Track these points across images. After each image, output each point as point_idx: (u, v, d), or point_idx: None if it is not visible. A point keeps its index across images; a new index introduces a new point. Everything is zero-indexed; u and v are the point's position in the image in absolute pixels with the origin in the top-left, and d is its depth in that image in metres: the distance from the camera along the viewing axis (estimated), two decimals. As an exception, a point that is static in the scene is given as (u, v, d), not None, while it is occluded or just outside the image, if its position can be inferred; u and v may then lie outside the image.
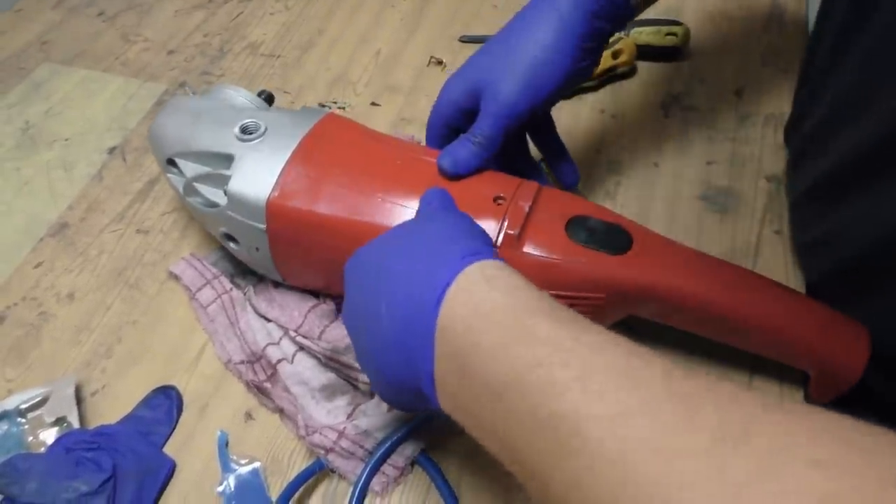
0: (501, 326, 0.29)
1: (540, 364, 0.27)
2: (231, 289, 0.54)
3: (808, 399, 0.47)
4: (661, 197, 0.59)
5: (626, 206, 0.58)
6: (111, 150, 0.66)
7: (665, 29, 0.68)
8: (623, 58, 0.66)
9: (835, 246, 0.46)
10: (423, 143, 0.63)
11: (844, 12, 0.46)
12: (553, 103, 0.49)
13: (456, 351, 0.31)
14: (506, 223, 0.44)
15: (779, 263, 0.54)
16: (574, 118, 0.65)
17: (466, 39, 0.72)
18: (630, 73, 0.68)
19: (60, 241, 0.59)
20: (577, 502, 0.24)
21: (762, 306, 0.43)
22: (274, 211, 0.46)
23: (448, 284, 0.32)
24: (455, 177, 0.46)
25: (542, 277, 0.43)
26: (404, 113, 0.66)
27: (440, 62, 0.70)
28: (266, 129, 0.48)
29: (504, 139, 0.47)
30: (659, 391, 0.25)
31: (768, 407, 0.23)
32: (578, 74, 0.48)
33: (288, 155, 0.47)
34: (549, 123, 0.53)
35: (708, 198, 0.58)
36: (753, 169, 0.60)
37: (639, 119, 0.65)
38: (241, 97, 0.53)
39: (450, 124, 0.50)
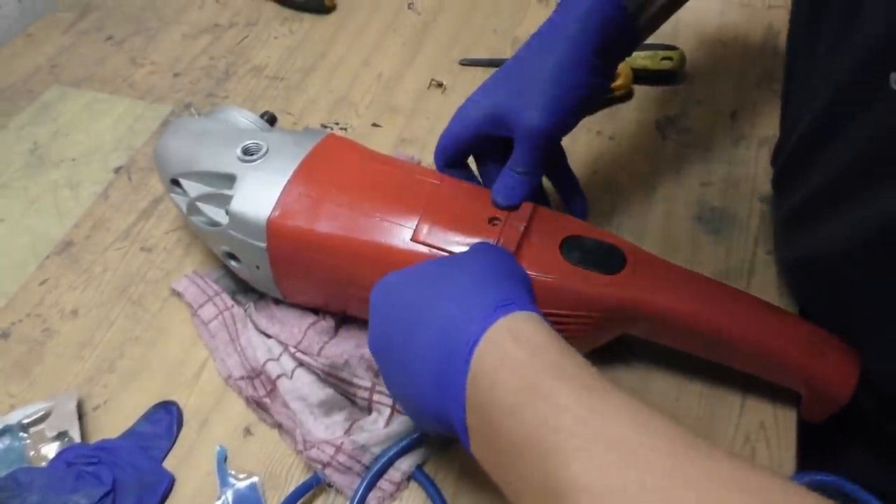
0: (521, 387, 0.30)
1: (552, 429, 0.28)
2: (232, 306, 0.54)
3: (801, 419, 0.48)
4: (657, 217, 0.59)
5: (621, 226, 0.59)
6: (117, 170, 0.67)
7: (661, 53, 0.69)
8: (620, 81, 0.67)
9: (819, 266, 0.47)
10: (423, 163, 0.64)
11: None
12: (576, 123, 0.50)
13: (483, 404, 0.32)
14: (501, 242, 0.45)
15: (772, 283, 0.54)
16: (572, 140, 0.66)
17: (467, 62, 0.74)
18: (627, 96, 0.69)
19: (66, 258, 0.60)
20: None
21: (754, 326, 0.43)
22: (274, 230, 0.47)
23: (479, 336, 0.33)
24: (508, 208, 0.47)
25: (537, 297, 0.44)
26: (405, 134, 0.68)
27: (440, 84, 0.72)
28: (267, 149, 0.49)
29: (544, 163, 0.48)
30: (662, 473, 0.25)
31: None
32: (597, 89, 0.49)
33: (289, 175, 0.48)
34: (561, 153, 0.54)
35: (702, 218, 0.59)
36: (747, 190, 0.61)
37: (635, 141, 0.66)
38: (244, 118, 0.54)
39: (467, 150, 0.51)
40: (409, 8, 0.82)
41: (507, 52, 0.75)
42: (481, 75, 0.73)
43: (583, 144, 0.66)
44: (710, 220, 0.59)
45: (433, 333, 0.35)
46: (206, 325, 0.54)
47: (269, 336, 0.52)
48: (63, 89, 0.76)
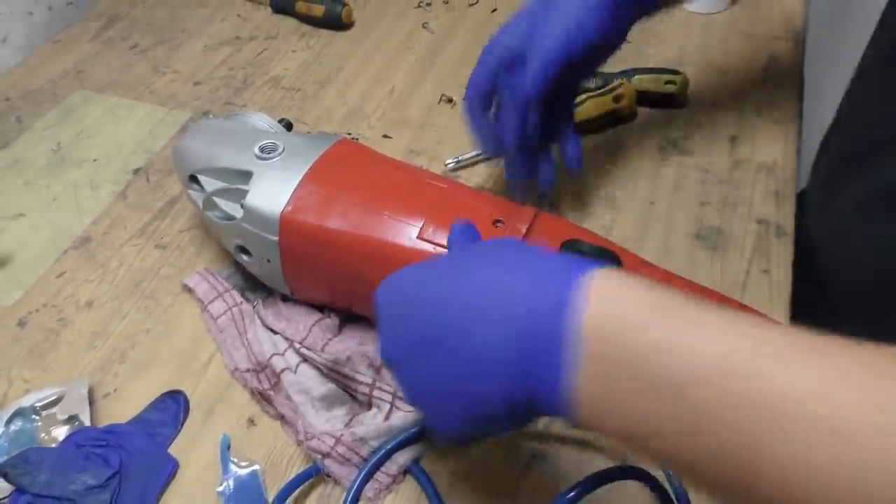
0: (666, 322, 0.28)
1: (728, 353, 0.26)
2: (241, 302, 0.56)
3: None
4: (655, 233, 0.61)
5: (621, 240, 0.60)
6: (136, 171, 0.69)
7: (665, 77, 0.71)
8: (624, 102, 0.69)
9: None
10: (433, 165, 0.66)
11: None
12: (585, 70, 0.55)
13: (607, 354, 0.29)
14: (503, 244, 0.46)
15: (764, 301, 0.56)
16: (575, 157, 0.68)
17: (476, 81, 0.76)
18: (630, 117, 0.71)
19: (83, 253, 0.62)
20: (799, 482, 0.24)
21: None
22: (287, 224, 0.49)
23: (569, 294, 0.30)
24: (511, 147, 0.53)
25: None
26: (414, 145, 0.70)
27: (450, 100, 0.74)
28: (284, 149, 0.52)
29: (546, 87, 0.52)
30: (851, 362, 0.25)
31: None
32: (612, 36, 0.53)
33: (303, 173, 0.50)
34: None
35: (700, 236, 0.61)
36: (745, 212, 0.63)
37: (637, 160, 0.68)
38: (263, 122, 0.57)
39: (493, 76, 0.54)
40: (423, 27, 0.85)
41: (516, 73, 0.77)
42: (490, 93, 0.75)
43: (586, 162, 0.67)
44: (708, 238, 0.60)
45: (494, 313, 0.32)
46: (215, 319, 0.56)
47: (275, 332, 0.54)
48: (87, 94, 0.78)
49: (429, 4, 0.88)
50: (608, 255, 0.47)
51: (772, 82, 0.75)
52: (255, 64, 0.81)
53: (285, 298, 0.56)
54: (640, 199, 0.64)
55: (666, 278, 0.47)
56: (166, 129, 0.73)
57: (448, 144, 0.70)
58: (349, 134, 0.72)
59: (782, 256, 0.59)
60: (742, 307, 0.47)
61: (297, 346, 0.53)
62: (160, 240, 0.63)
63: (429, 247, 0.47)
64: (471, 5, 0.88)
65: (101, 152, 0.72)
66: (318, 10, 0.84)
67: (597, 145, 0.69)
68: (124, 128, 0.74)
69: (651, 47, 0.80)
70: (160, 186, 0.68)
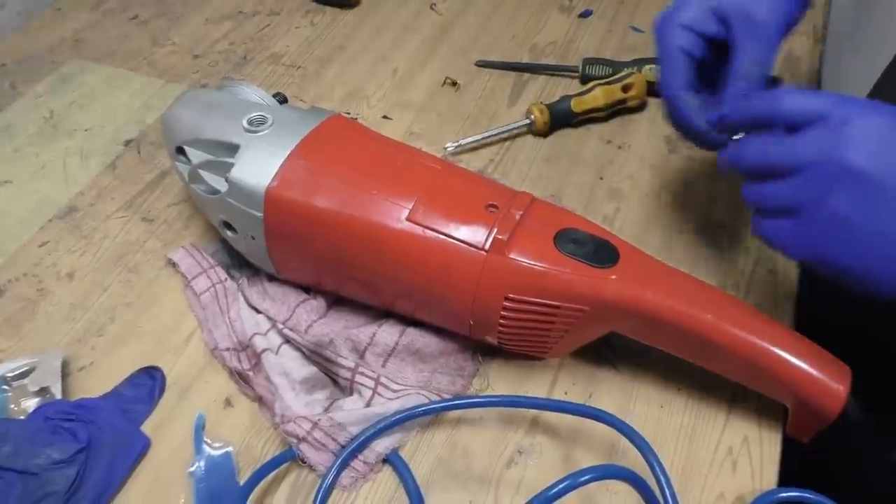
0: None
1: None
2: (225, 279, 0.54)
3: (787, 435, 0.47)
4: (659, 227, 0.59)
5: (623, 232, 0.59)
6: (127, 143, 0.68)
7: (676, 68, 0.69)
8: (633, 92, 0.67)
9: None
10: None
11: None
12: (789, 29, 0.49)
13: None
14: (496, 228, 0.44)
15: (768, 302, 0.54)
16: (579, 146, 0.66)
17: (482, 64, 0.74)
18: (639, 107, 0.69)
19: (68, 223, 0.61)
20: None
21: (744, 331, 0.43)
22: (272, 200, 0.47)
23: None
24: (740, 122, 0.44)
25: (527, 284, 0.44)
26: (414, 128, 0.68)
27: (454, 83, 0.72)
28: (273, 122, 0.50)
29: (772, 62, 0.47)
30: None
31: None
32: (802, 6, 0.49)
33: (291, 148, 0.48)
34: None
35: (705, 232, 0.58)
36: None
37: (643, 152, 0.65)
38: (255, 94, 0.55)
39: (692, 51, 0.49)
40: (431, 8, 0.82)
41: (523, 58, 0.75)
42: (497, 77, 0.73)
43: (591, 151, 0.66)
44: (713, 235, 0.58)
45: None
46: (197, 296, 0.54)
47: (259, 311, 0.52)
48: (84, 63, 0.77)
49: (438, -14, 0.86)
50: (605, 246, 0.45)
51: (788, 79, 0.72)
52: (257, 39, 0.79)
53: (271, 278, 0.54)
54: (646, 192, 0.62)
55: (668, 273, 0.45)
56: (162, 102, 0.72)
57: (449, 128, 0.68)
58: (348, 113, 0.69)
59: (790, 259, 0.56)
60: (742, 303, 0.45)
61: (281, 326, 0.51)
62: (147, 213, 0.61)
63: (418, 230, 0.45)
64: (481, -12, 0.86)
65: (93, 122, 0.70)
66: (324, -14, 0.82)
67: (603, 135, 0.67)
68: (119, 98, 0.72)
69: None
70: (151, 159, 0.66)
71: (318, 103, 0.71)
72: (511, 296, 0.44)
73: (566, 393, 0.49)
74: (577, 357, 0.50)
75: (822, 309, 0.55)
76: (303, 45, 0.78)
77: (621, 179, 0.63)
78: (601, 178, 0.63)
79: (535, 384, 0.49)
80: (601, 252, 0.44)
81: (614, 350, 0.50)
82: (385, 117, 0.69)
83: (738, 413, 0.48)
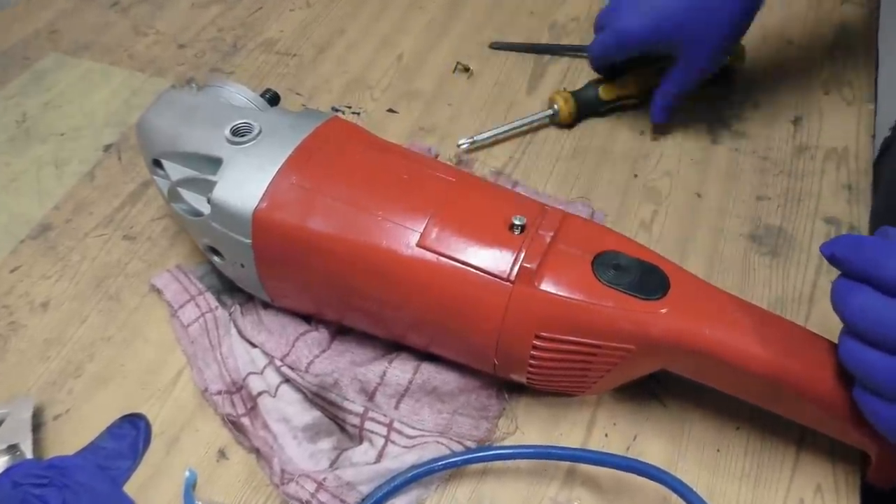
0: None
1: None
2: (216, 307, 0.48)
3: (867, 484, 0.40)
4: (703, 232, 0.52)
5: (662, 239, 0.52)
6: (107, 148, 0.61)
7: (716, 45, 0.61)
8: (668, 75, 0.59)
9: None
10: (440, 156, 0.57)
11: None
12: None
13: None
14: (523, 254, 0.38)
15: (836, 318, 0.47)
16: (610, 139, 0.59)
17: (497, 46, 0.67)
18: (675, 92, 0.61)
19: (41, 243, 0.55)
20: None
21: (820, 373, 0.36)
22: (261, 224, 0.40)
23: None
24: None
25: (562, 321, 0.37)
26: (423, 122, 0.61)
27: (467, 69, 0.65)
28: (260, 131, 0.43)
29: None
30: None
31: None
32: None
33: (281, 161, 0.41)
34: None
35: (756, 237, 0.51)
36: (810, 208, 0.53)
37: (682, 144, 0.58)
38: (241, 95, 0.48)
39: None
40: (438, -16, 0.75)
41: (543, 37, 0.68)
42: (514, 60, 0.66)
43: (623, 144, 0.58)
44: (766, 240, 0.51)
45: None
46: (185, 328, 0.48)
47: (253, 345, 0.46)
48: (60, 57, 0.70)
49: (445, -42, 0.78)
50: (653, 273, 0.38)
51: (842, 55, 0.64)
52: (248, 24, 0.72)
53: (267, 305, 0.48)
54: (686, 191, 0.55)
55: (729, 304, 0.38)
56: (144, 99, 0.65)
57: (463, 121, 0.61)
58: (349, 108, 0.62)
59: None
60: (815, 336, 0.38)
61: (279, 363, 0.45)
62: (129, 229, 0.55)
63: (431, 257, 0.38)
64: (493, -41, 0.78)
65: (70, 125, 0.63)
66: (320, -37, 0.74)
67: (636, 125, 0.60)
68: (98, 97, 0.66)
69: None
70: (133, 166, 0.60)
71: (316, 96, 0.64)
72: (542, 334, 0.38)
73: (606, 435, 0.43)
74: (618, 390, 0.44)
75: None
76: (298, 29, 0.71)
77: (659, 177, 0.56)
78: (635, 176, 0.56)
79: (571, 424, 0.43)
80: (649, 280, 0.38)
81: (661, 382, 0.44)
82: (391, 110, 0.62)
83: (808, 456, 0.41)
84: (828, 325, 0.46)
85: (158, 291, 0.50)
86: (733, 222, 0.52)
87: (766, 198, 0.54)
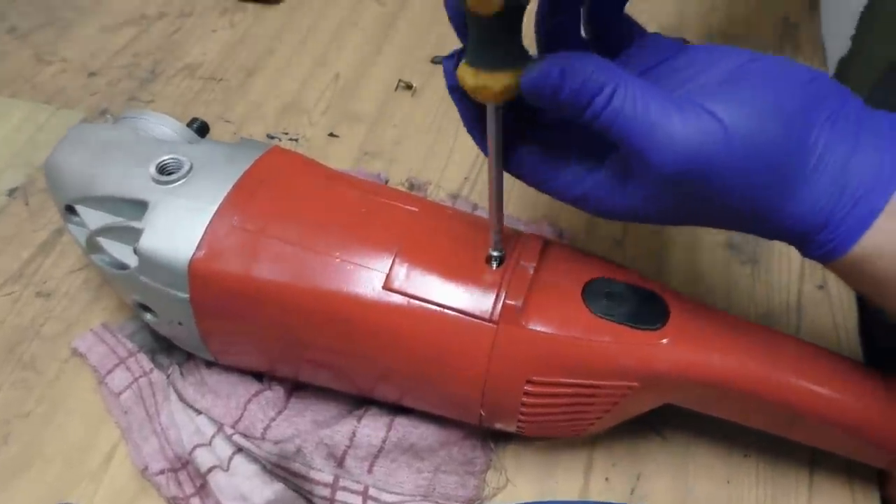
0: None
1: None
2: (152, 370, 0.42)
3: (887, 501, 0.38)
4: (679, 245, 0.49)
5: (637, 257, 0.48)
6: (11, 192, 0.54)
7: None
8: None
9: None
10: (391, 182, 0.53)
11: None
12: None
13: None
14: (505, 290, 0.33)
15: (827, 326, 0.44)
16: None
17: (440, 60, 0.63)
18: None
19: (-61, 307, 0.47)
20: None
21: (840, 393, 0.33)
22: (199, 275, 0.35)
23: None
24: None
25: (555, 361, 0.33)
26: (368, 146, 0.56)
27: (409, 86, 0.60)
28: (191, 167, 0.37)
29: None
30: None
31: None
32: None
33: (218, 201, 0.36)
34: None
35: (735, 246, 0.49)
36: (783, 210, 0.51)
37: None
38: (165, 126, 0.42)
39: None
40: (371, -3, 0.70)
41: (487, 49, 0.64)
42: (459, 75, 0.62)
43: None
44: (744, 249, 0.48)
45: None
46: (116, 396, 0.41)
47: (198, 411, 0.40)
48: (-50, 94, 0.62)
49: (376, -30, 0.74)
50: (649, 300, 0.34)
51: (790, 52, 0.63)
52: (166, 48, 0.66)
53: (210, 363, 0.42)
54: (655, 202, 0.52)
55: (733, 328, 0.35)
56: (52, 135, 0.58)
57: (410, 143, 0.56)
58: (286, 134, 0.57)
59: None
60: (829, 354, 0.35)
61: (230, 430, 0.39)
62: (42, 285, 0.48)
63: (400, 300, 0.34)
64: (426, -31, 0.74)
65: (-34, 169, 0.56)
66: (242, -22, 0.68)
67: (594, 135, 0.57)
68: (-2, 135, 0.58)
69: (643, 10, 0.67)
70: (43, 211, 0.53)
71: (248, 123, 0.58)
72: (534, 378, 0.33)
73: (607, 479, 0.39)
74: (613, 427, 0.40)
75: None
76: (223, 51, 0.65)
77: (625, 188, 0.53)
78: (601, 189, 0.53)
79: (566, 470, 0.39)
80: (646, 308, 0.34)
81: (659, 413, 0.40)
82: (332, 135, 0.57)
83: (823, 477, 0.38)
84: (820, 333, 0.44)
85: (81, 356, 0.43)
86: (708, 233, 0.50)
87: (738, 204, 0.51)
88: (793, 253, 0.47)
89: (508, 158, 0.32)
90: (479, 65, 0.27)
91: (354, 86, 0.61)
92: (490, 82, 0.27)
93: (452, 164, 0.54)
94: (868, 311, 0.45)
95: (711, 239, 0.49)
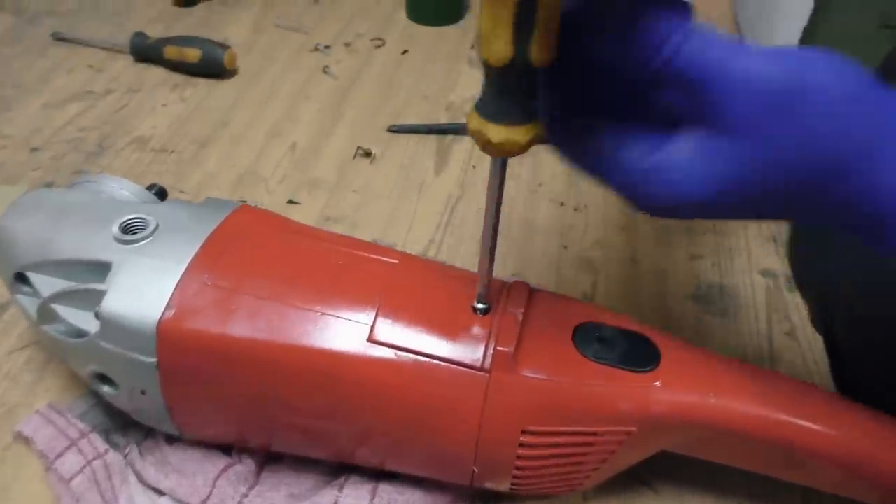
0: None
1: None
2: (106, 451, 0.38)
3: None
4: (648, 298, 0.49)
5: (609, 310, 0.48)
6: (-55, 271, 0.50)
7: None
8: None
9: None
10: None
11: None
12: None
13: None
14: (494, 339, 0.32)
15: (801, 371, 0.45)
16: (532, 211, 0.56)
17: (396, 129, 0.63)
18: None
19: None
20: None
21: (841, 430, 0.33)
22: (168, 337, 0.32)
23: None
24: None
25: (551, 409, 0.32)
26: (329, 211, 0.55)
27: (368, 153, 0.60)
28: (157, 226, 0.36)
29: None
30: None
31: None
32: None
33: (188, 258, 0.34)
34: None
35: (701, 297, 0.49)
36: (743, 263, 0.52)
37: (605, 211, 0.56)
38: (124, 189, 0.40)
39: None
40: (324, 72, 0.71)
41: (441, 118, 0.65)
42: (416, 142, 0.62)
43: (545, 218, 0.55)
44: (711, 299, 0.49)
45: None
46: (67, 482, 0.38)
47: (161, 492, 0.37)
48: None
49: (327, 47, 0.75)
50: (639, 342, 0.34)
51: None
52: (114, 122, 0.64)
53: (172, 439, 0.39)
54: (620, 257, 0.52)
55: (727, 368, 0.34)
56: (-9, 212, 0.55)
57: (372, 207, 0.56)
58: (244, 201, 0.55)
59: (805, 313, 0.48)
60: (821, 392, 0.35)
61: (196, 511, 0.36)
62: (-19, 366, 0.44)
63: (385, 352, 0.32)
64: (377, 47, 0.76)
65: None
66: (194, 55, 0.68)
67: (555, 196, 0.57)
68: (-70, 213, 0.55)
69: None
70: (-19, 289, 0.49)
71: (204, 192, 0.57)
72: (530, 428, 0.32)
73: (602, 538, 0.37)
74: (601, 483, 0.38)
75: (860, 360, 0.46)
76: (174, 124, 0.64)
77: (590, 246, 0.53)
78: (565, 248, 0.53)
79: (558, 530, 0.37)
80: (637, 350, 0.33)
81: (647, 464, 0.39)
82: (291, 201, 0.56)
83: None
84: (792, 372, 0.44)
85: (27, 440, 0.40)
86: (674, 284, 0.50)
87: (700, 257, 0.52)
88: (757, 301, 0.48)
89: (566, 137, 0.28)
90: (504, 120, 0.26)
91: (312, 154, 0.61)
92: (516, 136, 0.26)
93: (417, 227, 0.54)
94: (838, 354, 0.46)
95: (679, 291, 0.50)
